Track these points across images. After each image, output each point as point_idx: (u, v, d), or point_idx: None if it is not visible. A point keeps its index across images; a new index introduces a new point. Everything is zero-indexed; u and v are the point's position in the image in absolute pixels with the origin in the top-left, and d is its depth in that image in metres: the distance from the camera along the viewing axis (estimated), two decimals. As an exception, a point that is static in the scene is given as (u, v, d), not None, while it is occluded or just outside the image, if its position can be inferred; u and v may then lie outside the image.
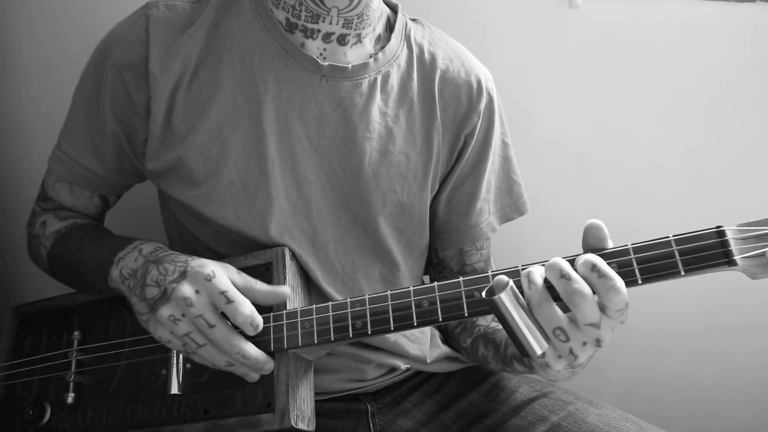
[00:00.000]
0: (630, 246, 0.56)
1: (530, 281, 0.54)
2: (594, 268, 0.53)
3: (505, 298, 0.53)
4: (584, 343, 0.54)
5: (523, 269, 0.58)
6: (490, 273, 0.60)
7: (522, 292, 0.55)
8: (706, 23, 1.07)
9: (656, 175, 1.14)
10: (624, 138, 1.13)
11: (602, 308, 0.53)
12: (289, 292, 0.67)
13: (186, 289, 0.62)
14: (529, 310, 0.54)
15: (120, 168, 0.79)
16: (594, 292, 0.53)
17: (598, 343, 0.55)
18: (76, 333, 0.76)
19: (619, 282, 0.53)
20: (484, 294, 0.54)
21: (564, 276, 0.53)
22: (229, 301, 0.62)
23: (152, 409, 0.69)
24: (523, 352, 0.54)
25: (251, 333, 0.64)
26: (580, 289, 0.52)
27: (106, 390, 0.72)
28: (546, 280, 0.55)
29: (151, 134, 0.73)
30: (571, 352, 0.55)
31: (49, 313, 0.80)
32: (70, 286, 0.81)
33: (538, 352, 0.54)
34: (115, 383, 0.72)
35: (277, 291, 0.66)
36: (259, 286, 0.66)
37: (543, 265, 0.56)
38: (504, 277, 0.54)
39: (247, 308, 0.63)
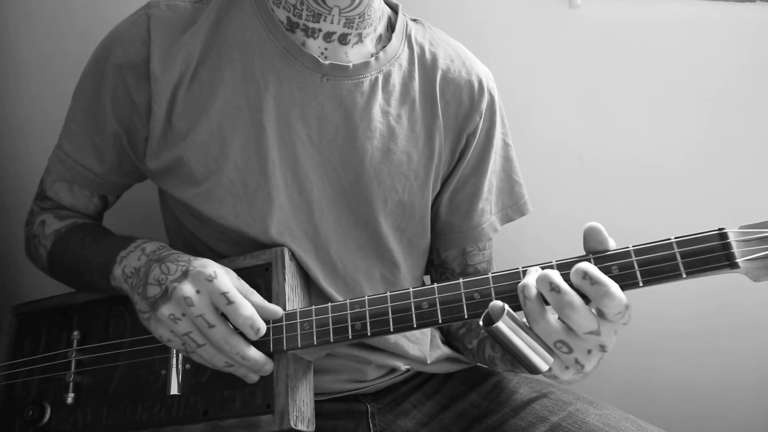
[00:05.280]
0: (631, 248, 0.55)
1: (525, 297, 0.54)
2: (586, 276, 0.52)
3: (503, 326, 0.52)
4: (588, 351, 0.54)
5: (523, 270, 0.58)
6: (490, 275, 0.59)
7: (518, 308, 0.55)
8: (706, 23, 1.07)
9: (656, 174, 1.14)
10: (624, 138, 1.13)
11: (600, 314, 0.53)
12: (281, 312, 0.66)
13: (187, 289, 0.62)
14: (529, 327, 0.54)
15: (120, 167, 0.79)
16: (590, 300, 0.53)
17: (602, 348, 0.54)
18: (75, 333, 0.76)
19: (613, 287, 0.52)
20: (481, 323, 0.54)
21: (554, 289, 0.53)
22: (230, 302, 0.62)
23: (152, 409, 0.69)
24: (530, 370, 0.54)
25: (252, 336, 0.63)
26: (570, 301, 0.52)
27: (105, 390, 0.72)
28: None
29: (151, 134, 0.73)
30: (576, 362, 0.54)
31: (48, 313, 0.80)
32: (69, 285, 0.81)
33: (544, 368, 0.53)
34: (114, 383, 0.72)
35: (268, 307, 0.65)
36: (254, 297, 0.65)
37: (541, 268, 0.56)
38: (498, 303, 0.54)
39: (247, 310, 0.62)
